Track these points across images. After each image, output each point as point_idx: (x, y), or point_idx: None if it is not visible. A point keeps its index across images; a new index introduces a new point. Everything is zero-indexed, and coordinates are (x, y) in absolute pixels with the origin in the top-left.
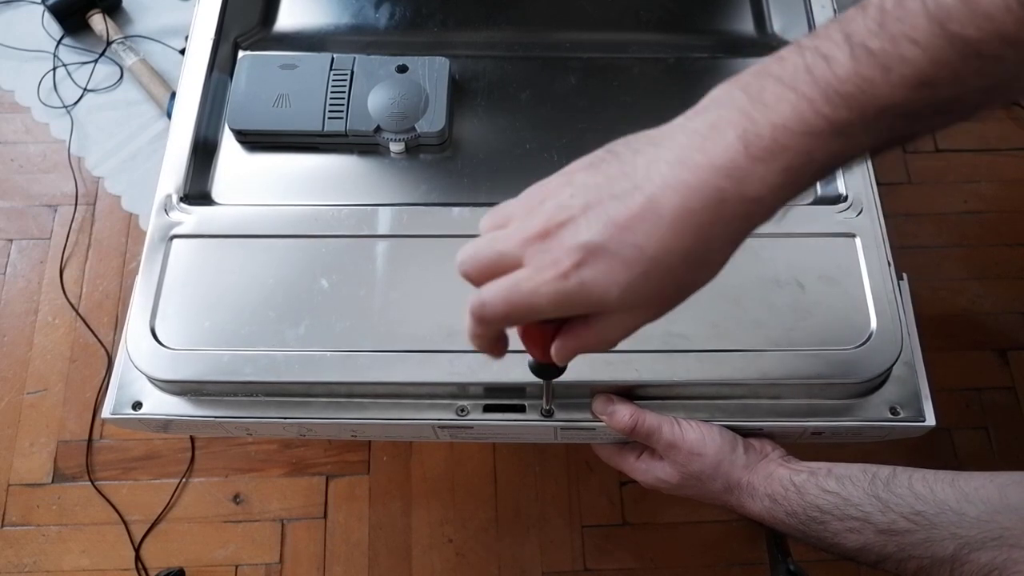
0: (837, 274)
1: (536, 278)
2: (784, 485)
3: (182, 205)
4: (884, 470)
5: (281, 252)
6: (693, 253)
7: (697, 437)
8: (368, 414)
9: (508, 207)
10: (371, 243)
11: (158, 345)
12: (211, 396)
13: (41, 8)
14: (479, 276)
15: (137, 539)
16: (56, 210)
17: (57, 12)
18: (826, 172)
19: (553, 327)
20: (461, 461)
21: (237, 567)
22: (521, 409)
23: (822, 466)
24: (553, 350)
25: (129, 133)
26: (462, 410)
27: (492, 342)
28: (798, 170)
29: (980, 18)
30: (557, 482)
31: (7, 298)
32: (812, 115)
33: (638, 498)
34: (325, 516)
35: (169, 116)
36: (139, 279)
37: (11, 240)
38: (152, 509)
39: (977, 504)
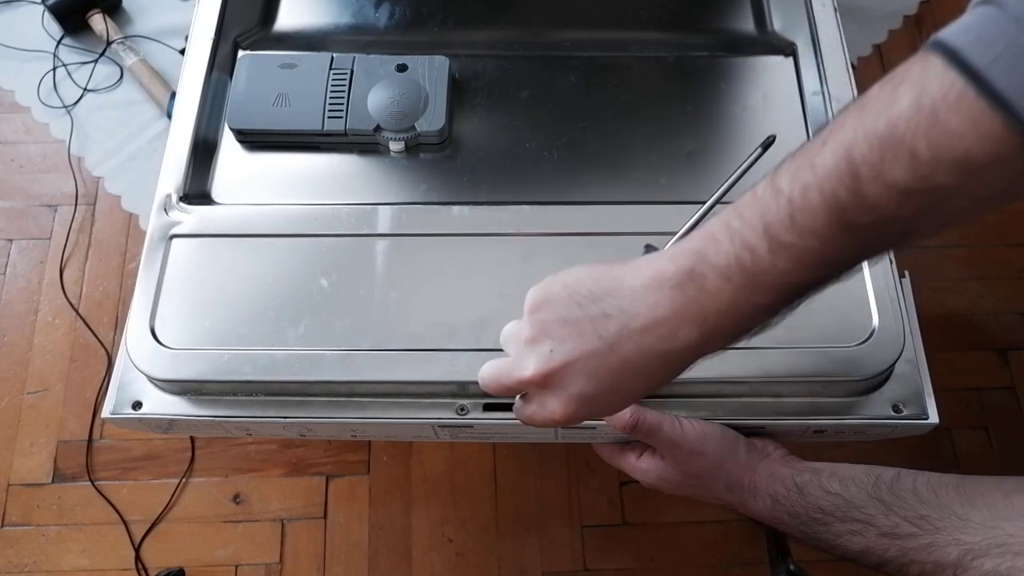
0: None
1: (543, 413)
2: (786, 485)
3: (182, 205)
4: (888, 472)
5: (281, 251)
6: (655, 386)
7: (698, 436)
8: (368, 413)
9: (506, 332)
10: (371, 242)
11: (158, 345)
12: (211, 396)
13: (41, 8)
14: (500, 394)
15: (137, 539)
16: (56, 210)
17: (57, 12)
18: (759, 329)
19: None
20: (461, 461)
21: (237, 567)
22: None
23: (825, 467)
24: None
25: (129, 133)
26: (462, 409)
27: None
28: (736, 336)
29: (868, 208)
30: (557, 482)
31: (7, 298)
32: (744, 303)
33: (638, 498)
34: (325, 516)
35: (169, 116)
36: (139, 279)
37: (11, 240)
38: (152, 509)
39: (982, 510)
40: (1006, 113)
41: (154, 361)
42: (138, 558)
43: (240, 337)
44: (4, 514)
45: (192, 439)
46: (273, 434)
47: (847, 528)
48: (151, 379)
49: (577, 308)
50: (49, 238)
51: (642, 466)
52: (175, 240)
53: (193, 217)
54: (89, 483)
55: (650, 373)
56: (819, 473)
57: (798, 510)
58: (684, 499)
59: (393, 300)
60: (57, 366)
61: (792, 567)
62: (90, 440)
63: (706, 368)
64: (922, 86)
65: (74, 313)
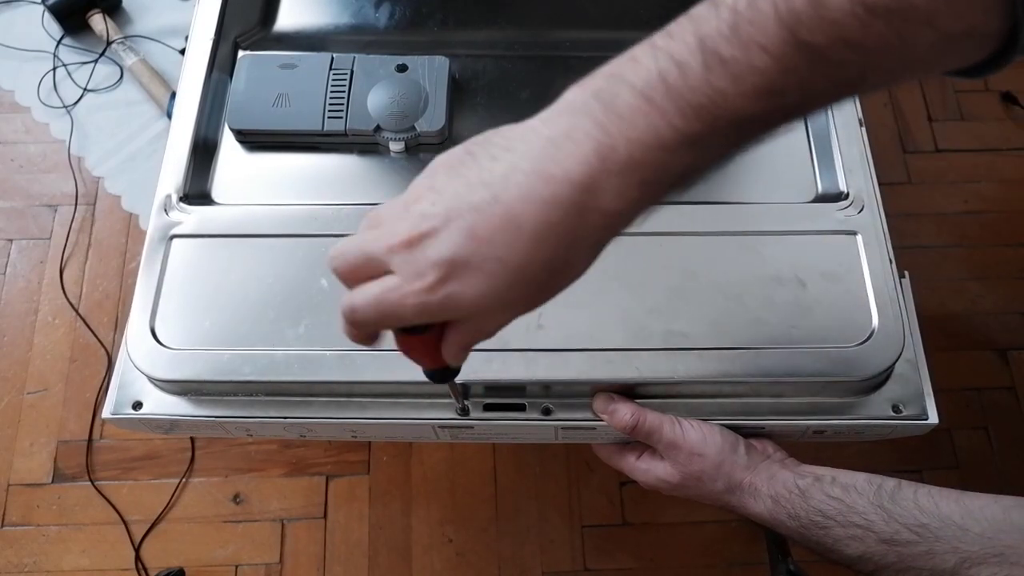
0: (839, 272)
1: (403, 289)
2: (788, 488)
3: (182, 205)
4: (889, 482)
5: (281, 251)
6: (554, 261)
7: (698, 437)
8: (368, 414)
9: (382, 208)
10: None
11: (158, 345)
12: (211, 396)
13: (41, 8)
14: (348, 276)
15: (137, 539)
16: (56, 210)
17: (57, 12)
18: (682, 182)
19: (428, 335)
20: (461, 461)
21: (237, 567)
22: (521, 408)
23: (826, 472)
24: (445, 354)
25: (129, 133)
26: (462, 410)
27: (365, 338)
28: (654, 182)
29: (827, 24)
30: (557, 482)
31: (7, 298)
32: (666, 129)
33: (638, 498)
34: (325, 516)
35: (169, 116)
36: (139, 279)
37: (11, 240)
38: (152, 509)
39: (981, 521)
40: None
41: (154, 361)
42: (138, 558)
43: (240, 337)
44: (4, 514)
45: (192, 439)
46: (273, 434)
47: (847, 533)
48: (151, 379)
49: (468, 157)
50: (49, 238)
51: (642, 467)
52: (175, 240)
53: (193, 217)
54: (89, 483)
55: (541, 235)
56: (822, 479)
57: (799, 512)
58: (684, 499)
59: None
60: (57, 366)
61: (792, 567)
62: (90, 440)
63: (707, 367)
64: None
65: (74, 313)
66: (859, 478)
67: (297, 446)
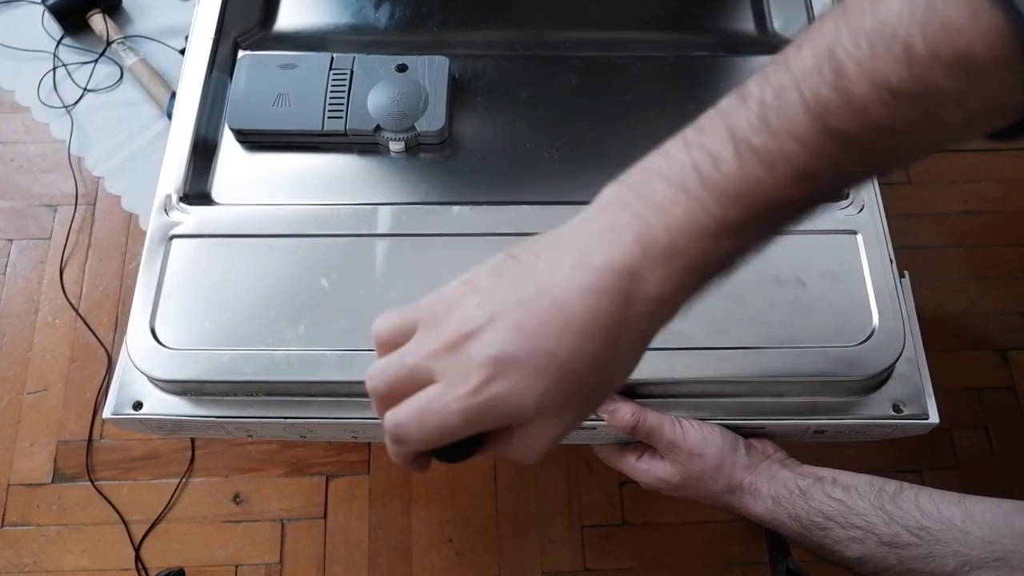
0: (839, 271)
1: (447, 395)
2: (789, 488)
3: (182, 205)
4: (891, 484)
5: (281, 252)
6: (603, 354)
7: (699, 437)
8: (368, 414)
9: (409, 313)
10: (371, 242)
11: (158, 345)
12: (211, 396)
13: (41, 8)
14: (390, 392)
15: (137, 539)
16: (56, 210)
17: (57, 12)
18: (726, 268)
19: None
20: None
21: (237, 567)
22: None
23: (828, 473)
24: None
25: (129, 133)
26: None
27: (415, 460)
28: (696, 269)
29: (855, 111)
30: (557, 482)
31: (7, 298)
32: (704, 217)
33: (638, 498)
34: (325, 516)
35: (169, 116)
36: (139, 279)
37: (11, 240)
38: (152, 509)
39: (982, 525)
40: (1008, 7)
41: (154, 361)
42: (138, 558)
43: (240, 337)
44: (4, 514)
45: (192, 439)
46: (274, 435)
47: (847, 534)
48: (151, 379)
49: (511, 260)
50: (49, 238)
51: (642, 467)
52: (175, 240)
53: (193, 217)
54: (89, 483)
55: (588, 326)
56: (822, 479)
57: (799, 513)
58: (684, 499)
59: (393, 300)
60: (57, 366)
61: (792, 567)
62: (90, 440)
63: (707, 367)
64: None
65: (74, 313)
66: (860, 480)
67: (297, 446)
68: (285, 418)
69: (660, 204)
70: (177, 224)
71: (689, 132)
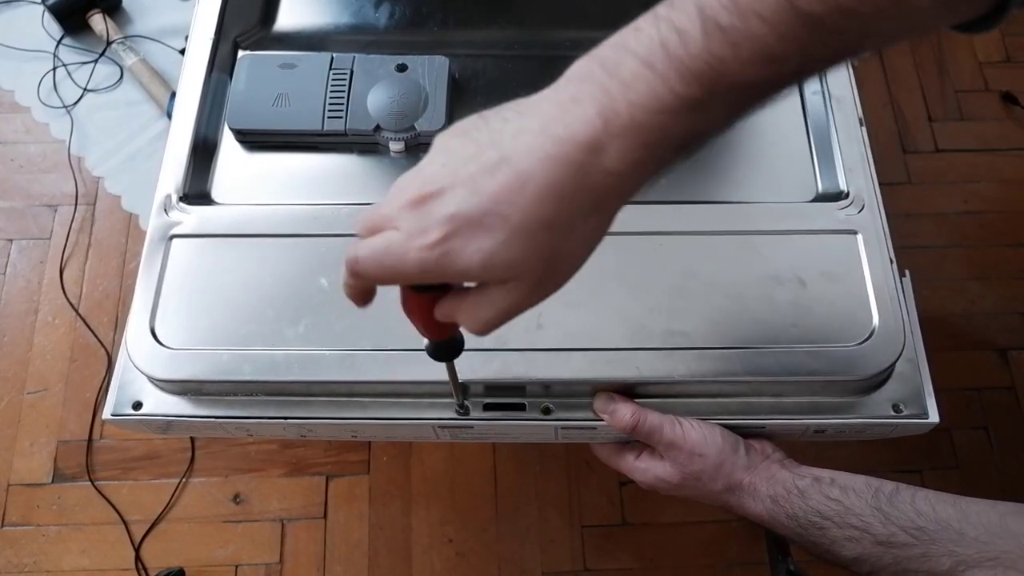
0: (839, 271)
1: (405, 244)
2: (787, 488)
3: (182, 205)
4: (888, 485)
5: (281, 251)
6: (556, 221)
7: (699, 437)
8: (368, 413)
9: (401, 177)
10: None
11: (158, 345)
12: (211, 396)
13: (41, 8)
14: (363, 235)
15: (137, 539)
16: (56, 210)
17: (57, 12)
18: (686, 147)
19: (430, 298)
20: (461, 461)
21: (237, 567)
22: (521, 408)
23: (825, 473)
24: (436, 312)
25: (129, 133)
26: (461, 406)
27: (361, 293)
28: (656, 145)
29: None
30: (557, 482)
31: (7, 298)
32: (666, 93)
33: (638, 498)
34: (325, 516)
35: (169, 116)
36: (139, 279)
37: (11, 240)
38: (152, 509)
39: (977, 526)
40: None
41: (154, 361)
42: (138, 558)
43: (240, 337)
44: (4, 514)
45: (192, 439)
46: (273, 435)
47: (844, 534)
48: (151, 379)
49: (480, 121)
50: (49, 238)
51: (641, 467)
52: (175, 240)
53: (193, 217)
54: (89, 483)
55: (544, 196)
56: (820, 480)
57: (797, 513)
58: (684, 499)
59: (393, 300)
60: (57, 366)
61: (792, 567)
62: (90, 440)
63: (707, 367)
64: None
65: (74, 313)
66: (858, 480)
67: (297, 446)
68: (285, 418)
69: (624, 79)
70: (177, 224)
71: (661, 7)
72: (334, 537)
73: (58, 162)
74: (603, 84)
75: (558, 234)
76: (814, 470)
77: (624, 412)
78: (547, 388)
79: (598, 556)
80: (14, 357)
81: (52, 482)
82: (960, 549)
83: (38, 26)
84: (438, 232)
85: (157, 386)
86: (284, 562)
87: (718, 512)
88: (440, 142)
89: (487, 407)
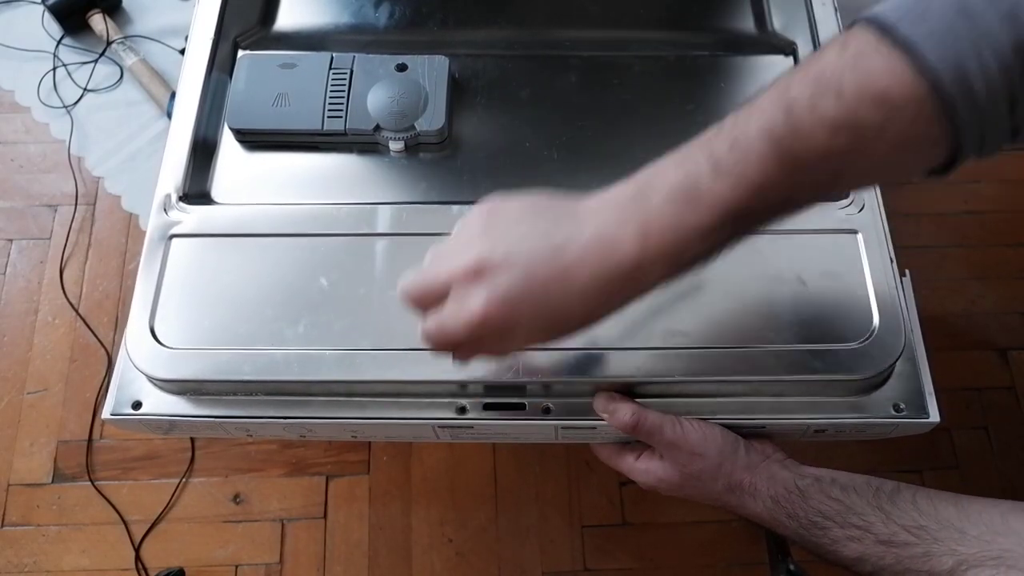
0: (839, 270)
1: (458, 319)
2: (788, 488)
3: (181, 204)
4: (888, 484)
5: (280, 251)
6: (590, 312)
7: (699, 437)
8: (367, 413)
9: (443, 247)
10: (371, 241)
11: (158, 344)
12: (211, 396)
13: (41, 8)
14: (417, 300)
15: (137, 539)
16: (56, 210)
17: (57, 12)
18: (700, 262)
19: None
20: (461, 461)
21: (237, 567)
22: (521, 408)
23: (825, 473)
24: (455, 355)
25: (129, 133)
26: (462, 409)
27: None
28: (678, 264)
29: (802, 138)
30: (557, 482)
31: (7, 298)
32: (685, 222)
33: (638, 498)
34: (325, 516)
35: (169, 116)
36: (139, 278)
37: (11, 240)
38: (152, 509)
39: (979, 525)
40: (914, 56)
41: (154, 361)
42: (138, 558)
43: (240, 337)
44: (4, 514)
45: (192, 439)
46: (273, 435)
47: (845, 534)
48: (151, 379)
49: (534, 214)
50: (49, 238)
51: (641, 467)
52: (175, 240)
53: (193, 217)
54: (89, 483)
55: (588, 293)
56: (820, 479)
57: (798, 513)
58: (684, 499)
59: (393, 299)
60: (57, 366)
61: (792, 567)
62: (90, 440)
63: (707, 366)
64: (846, 40)
65: (74, 313)
66: (858, 480)
67: (297, 446)
68: (284, 418)
69: (653, 209)
70: (177, 223)
71: (681, 151)
72: (334, 537)
73: (58, 162)
74: (638, 215)
75: (587, 319)
76: (814, 470)
77: (624, 412)
78: (547, 388)
79: (598, 556)
80: (14, 357)
81: (52, 482)
82: (962, 548)
83: (38, 26)
84: (486, 309)
85: (157, 386)
86: (284, 562)
87: (718, 512)
88: (484, 219)
89: (487, 407)
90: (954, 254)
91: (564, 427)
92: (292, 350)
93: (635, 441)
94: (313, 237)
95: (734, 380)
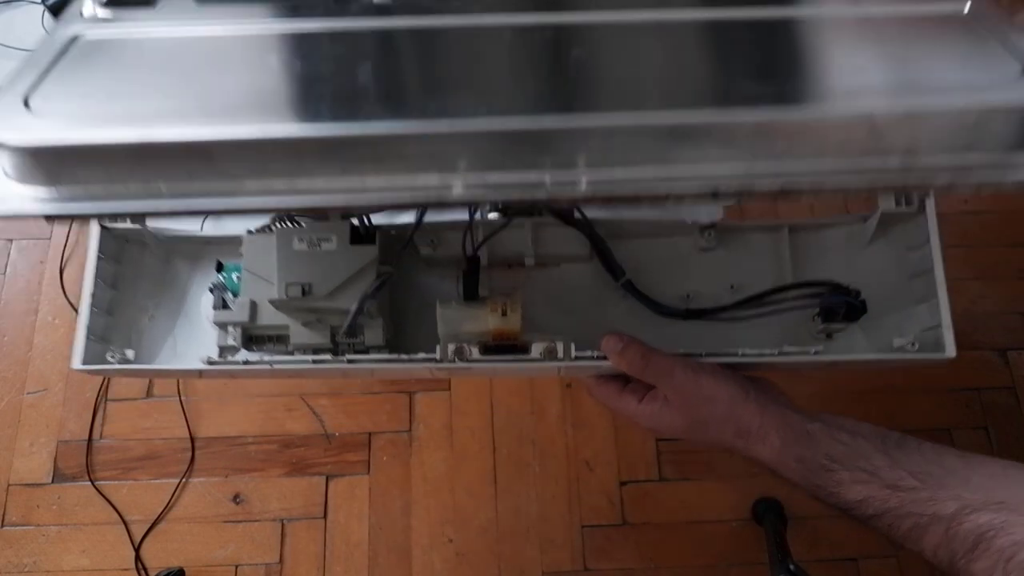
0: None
1: (626, 409)
2: (797, 432)
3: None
4: (894, 433)
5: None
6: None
7: (711, 381)
8: (334, 184)
9: (657, 412)
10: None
11: (30, 114)
12: (92, 184)
13: (41, 8)
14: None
15: (137, 539)
16: None
17: (57, 12)
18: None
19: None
20: (461, 461)
21: (237, 567)
22: (524, 349)
23: (832, 418)
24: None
25: None
26: (459, 351)
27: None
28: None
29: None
30: (557, 482)
31: (7, 298)
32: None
33: (638, 498)
34: (325, 516)
35: None
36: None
37: (11, 240)
38: (152, 509)
39: (982, 474)
40: None
41: (23, 128)
42: (138, 558)
43: (133, 117)
44: (4, 514)
45: (192, 439)
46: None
47: (852, 476)
48: (14, 156)
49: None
50: (49, 238)
51: (645, 410)
52: (82, 40)
53: (116, 30)
54: (89, 483)
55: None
56: (829, 423)
57: (806, 455)
58: (684, 499)
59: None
60: (57, 366)
61: (792, 567)
62: (90, 440)
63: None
64: None
65: (74, 313)
66: (864, 426)
67: (297, 446)
68: (190, 212)
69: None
70: (95, 25)
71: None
72: (334, 537)
73: None
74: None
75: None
76: (822, 414)
77: (633, 352)
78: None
79: (598, 556)
80: (14, 357)
81: (52, 482)
82: (967, 494)
83: (38, 26)
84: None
85: (17, 171)
86: (284, 562)
87: (718, 512)
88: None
89: (485, 350)
90: (954, 254)
91: (567, 366)
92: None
93: (637, 381)
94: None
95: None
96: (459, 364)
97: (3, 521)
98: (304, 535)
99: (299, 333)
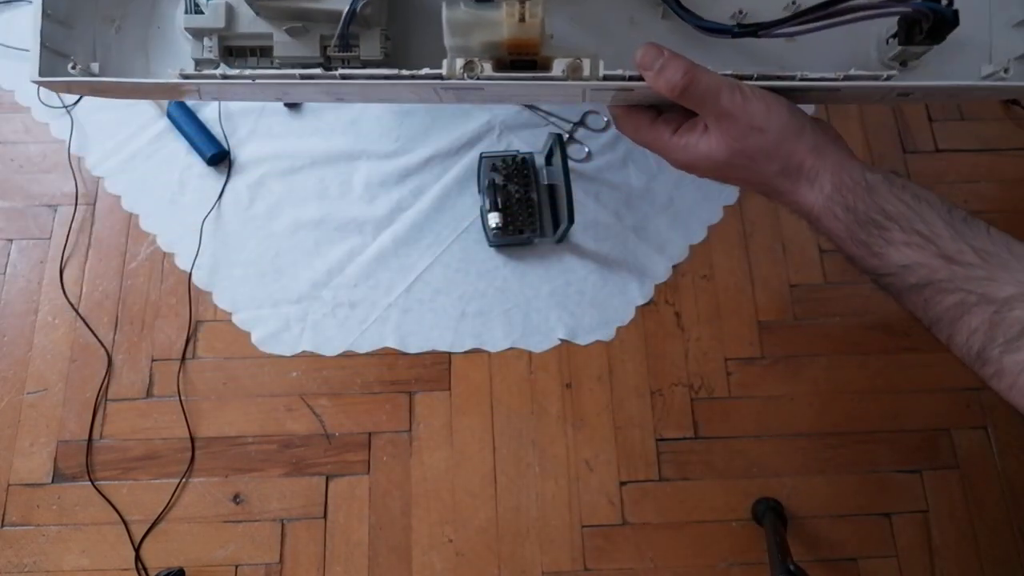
0: None
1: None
2: (854, 178)
3: None
4: (963, 210)
5: None
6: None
7: (762, 108)
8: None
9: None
10: None
11: None
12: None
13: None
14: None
15: (137, 539)
16: (56, 210)
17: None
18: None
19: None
20: (461, 461)
21: (237, 567)
22: (544, 67)
23: (899, 177)
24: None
25: (129, 133)
26: (469, 66)
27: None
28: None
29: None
30: (557, 482)
31: (7, 298)
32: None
33: (638, 498)
34: (325, 516)
35: (169, 116)
36: None
37: (11, 240)
38: (152, 509)
39: None
40: None
41: None
42: (138, 558)
43: None
44: (4, 514)
45: (192, 439)
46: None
47: (905, 238)
48: None
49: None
50: (49, 238)
51: (679, 142)
52: None
53: None
54: (89, 483)
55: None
56: (891, 179)
57: (858, 206)
58: (684, 499)
59: None
60: (57, 366)
61: (792, 567)
62: (90, 440)
63: None
64: None
65: (74, 313)
66: (931, 194)
67: (297, 446)
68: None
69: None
70: None
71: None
72: (334, 537)
73: (58, 162)
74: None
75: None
76: (885, 170)
77: (673, 70)
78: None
79: (598, 556)
80: (14, 357)
81: (52, 482)
82: None
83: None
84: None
85: None
86: (284, 562)
87: (718, 512)
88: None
89: (498, 66)
90: None
91: (594, 88)
92: None
93: (672, 110)
94: None
95: None
96: (468, 81)
97: (3, 521)
98: (304, 535)
99: (284, 45)
